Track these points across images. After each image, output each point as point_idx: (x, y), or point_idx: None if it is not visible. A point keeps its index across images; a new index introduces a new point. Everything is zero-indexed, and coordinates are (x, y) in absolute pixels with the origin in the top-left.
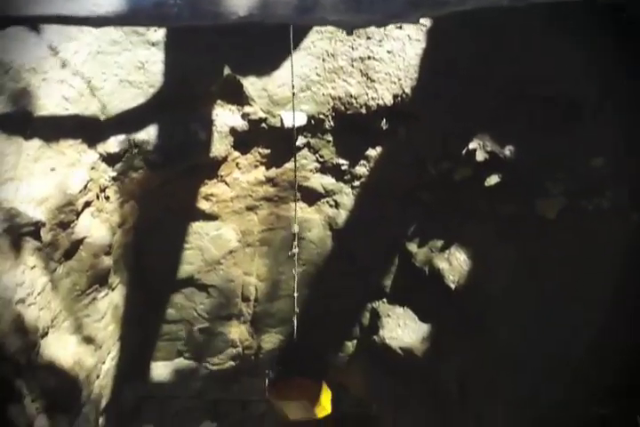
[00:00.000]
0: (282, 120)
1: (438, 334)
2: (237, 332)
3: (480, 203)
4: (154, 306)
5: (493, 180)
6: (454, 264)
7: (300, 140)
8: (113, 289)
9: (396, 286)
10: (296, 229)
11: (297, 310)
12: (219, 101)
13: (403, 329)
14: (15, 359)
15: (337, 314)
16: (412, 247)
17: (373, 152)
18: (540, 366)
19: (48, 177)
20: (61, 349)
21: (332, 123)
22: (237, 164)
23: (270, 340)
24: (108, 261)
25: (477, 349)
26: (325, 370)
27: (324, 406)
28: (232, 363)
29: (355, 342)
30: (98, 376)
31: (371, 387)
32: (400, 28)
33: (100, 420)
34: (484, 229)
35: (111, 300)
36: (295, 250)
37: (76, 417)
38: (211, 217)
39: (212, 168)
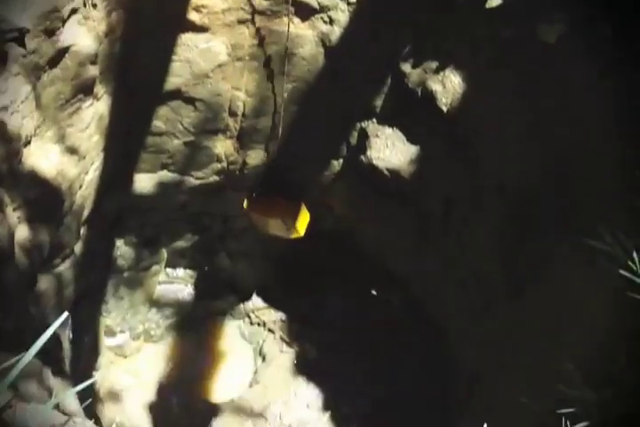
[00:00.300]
0: None
1: (426, 157)
2: (223, 146)
3: (479, 25)
4: (139, 118)
5: (495, 1)
6: (448, 87)
7: None
8: (98, 99)
9: (386, 107)
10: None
11: (280, 128)
12: None
13: (391, 150)
14: None
15: (325, 132)
16: (406, 68)
17: None
18: (525, 193)
19: None
20: (44, 158)
21: None
22: None
23: (256, 156)
24: (93, 70)
25: (464, 173)
26: (309, 189)
27: (298, 228)
28: (216, 178)
29: (341, 161)
30: (80, 187)
31: (354, 205)
32: None
33: (82, 230)
34: (481, 53)
35: (96, 110)
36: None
37: (58, 227)
38: (201, 29)
39: None
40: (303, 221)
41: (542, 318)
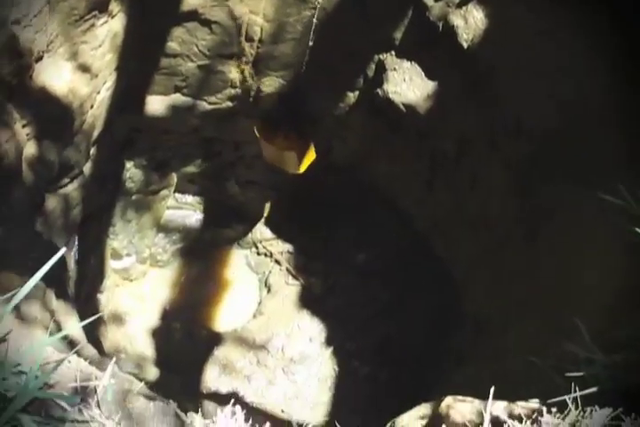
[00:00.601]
0: None
1: (443, 94)
2: (237, 72)
3: None
4: (154, 38)
5: None
6: (470, 22)
7: None
8: (113, 17)
9: (406, 40)
10: None
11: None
12: None
13: (408, 84)
14: (8, 81)
15: (341, 63)
16: (429, 0)
17: None
18: (541, 131)
19: None
20: (56, 75)
21: None
22: None
23: (270, 83)
24: None
25: (481, 111)
26: (323, 120)
27: (303, 166)
28: (229, 103)
29: (357, 93)
30: (92, 106)
31: (367, 139)
32: None
33: (92, 150)
34: None
35: (110, 28)
36: None
37: (67, 146)
38: None
39: None
40: (309, 159)
41: (555, 265)
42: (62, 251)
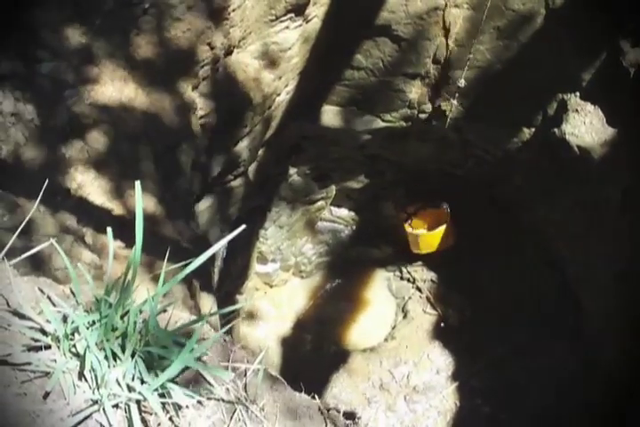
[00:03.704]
0: None
1: (621, 141)
2: (418, 93)
3: None
4: (342, 48)
5: None
6: None
7: None
8: (308, 22)
9: (593, 82)
10: None
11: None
12: None
13: (587, 128)
14: (196, 71)
15: (523, 97)
16: (625, 45)
17: None
18: None
19: None
20: (242, 70)
21: None
22: None
23: (447, 108)
24: None
25: None
26: (494, 153)
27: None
28: (403, 123)
29: (533, 130)
30: (269, 107)
31: (533, 177)
32: None
33: (260, 151)
34: None
35: (303, 32)
36: None
37: (238, 143)
38: None
39: None
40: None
41: None
42: (243, 226)
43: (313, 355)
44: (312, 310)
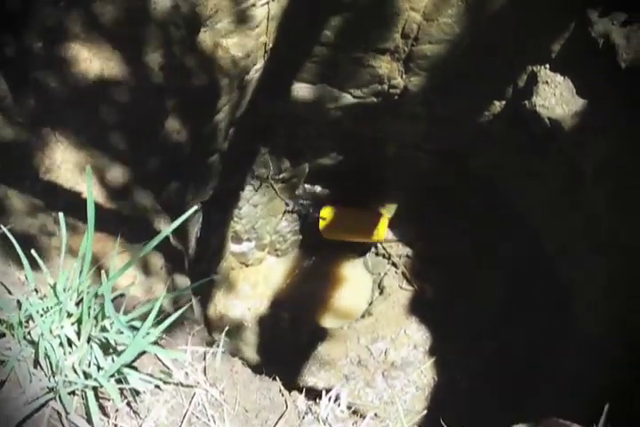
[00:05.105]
0: None
1: (592, 112)
2: (387, 68)
3: None
4: (311, 25)
5: None
6: (632, 42)
7: None
8: None
9: (563, 54)
10: None
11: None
12: None
13: (557, 99)
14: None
15: (493, 70)
16: (593, 15)
17: None
18: None
19: None
20: (210, 49)
21: None
22: None
23: (418, 83)
24: None
25: (628, 133)
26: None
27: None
28: (374, 99)
29: (503, 102)
30: (239, 85)
31: (505, 149)
32: None
33: (231, 130)
34: None
35: (269, 10)
36: None
37: (207, 122)
38: None
39: None
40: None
41: None
42: (195, 208)
43: (290, 333)
44: (289, 289)
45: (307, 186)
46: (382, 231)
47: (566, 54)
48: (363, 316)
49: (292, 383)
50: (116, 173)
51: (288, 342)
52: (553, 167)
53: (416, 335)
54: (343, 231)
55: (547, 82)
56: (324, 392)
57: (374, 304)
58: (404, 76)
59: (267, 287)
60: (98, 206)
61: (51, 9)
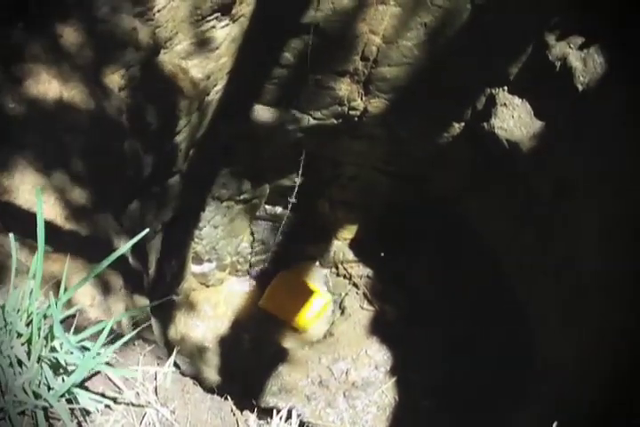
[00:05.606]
0: None
1: (549, 135)
2: (347, 90)
3: None
4: (270, 47)
5: None
6: (589, 66)
7: None
8: (234, 21)
9: (521, 76)
10: None
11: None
12: None
13: (515, 121)
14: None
15: (452, 92)
16: (550, 39)
17: None
18: None
19: None
20: (170, 71)
21: None
22: None
23: (378, 105)
24: None
25: (584, 156)
26: (423, 147)
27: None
28: (334, 121)
29: (462, 124)
30: (199, 107)
31: (463, 171)
32: None
33: (191, 151)
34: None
35: (230, 31)
36: None
37: (167, 144)
38: None
39: None
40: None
41: None
42: (147, 230)
43: (252, 353)
44: (249, 310)
45: (267, 207)
46: (310, 322)
47: (524, 77)
48: (324, 336)
49: (252, 404)
50: (76, 195)
51: (249, 362)
52: (509, 187)
53: (377, 355)
54: (278, 311)
55: (505, 104)
56: (274, 411)
57: (335, 324)
58: (363, 97)
59: (227, 308)
60: (57, 227)
61: (9, 30)
